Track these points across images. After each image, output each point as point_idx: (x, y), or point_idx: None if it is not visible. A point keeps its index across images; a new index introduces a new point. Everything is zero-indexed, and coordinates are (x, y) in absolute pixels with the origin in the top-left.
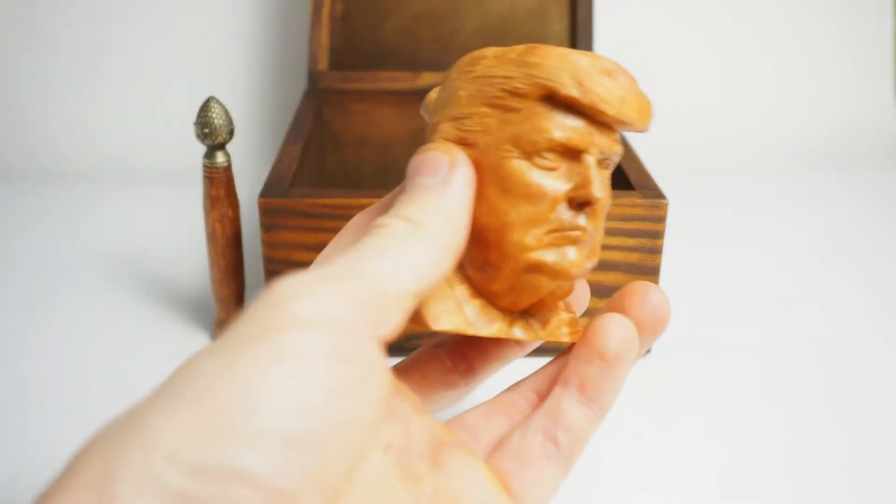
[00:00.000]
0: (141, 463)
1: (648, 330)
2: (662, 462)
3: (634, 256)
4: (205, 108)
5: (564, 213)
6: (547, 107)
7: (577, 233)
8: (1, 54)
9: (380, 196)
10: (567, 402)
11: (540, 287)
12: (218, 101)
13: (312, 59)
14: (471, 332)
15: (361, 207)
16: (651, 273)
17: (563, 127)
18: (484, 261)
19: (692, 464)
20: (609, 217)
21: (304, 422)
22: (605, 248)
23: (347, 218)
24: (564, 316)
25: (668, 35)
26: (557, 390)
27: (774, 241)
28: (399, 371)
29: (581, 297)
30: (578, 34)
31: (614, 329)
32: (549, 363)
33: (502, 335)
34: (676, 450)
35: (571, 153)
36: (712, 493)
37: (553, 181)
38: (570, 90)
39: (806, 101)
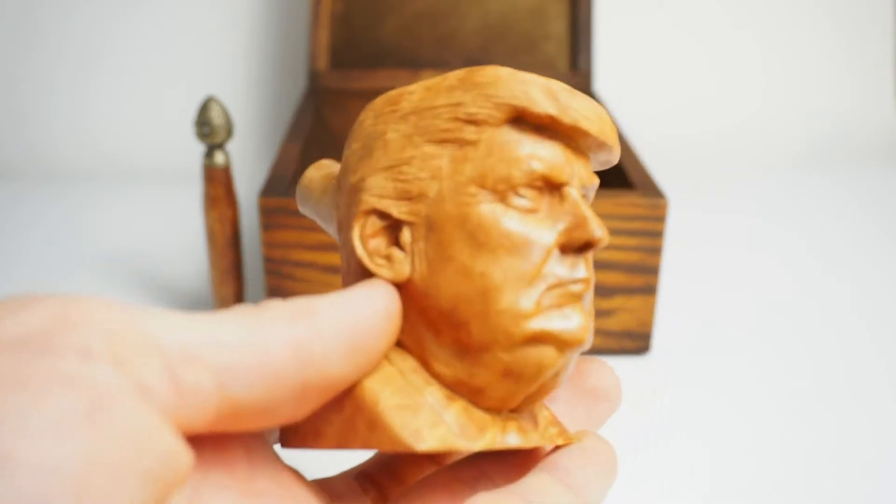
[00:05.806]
0: None
1: (593, 407)
2: (662, 463)
3: (634, 256)
4: (204, 108)
5: (558, 264)
6: (515, 133)
7: (579, 286)
8: (1, 54)
9: None
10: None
11: (544, 366)
12: (218, 101)
13: (312, 58)
14: (459, 446)
15: None
16: (651, 273)
17: (540, 156)
18: (461, 347)
19: (691, 464)
20: (609, 217)
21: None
22: (604, 247)
23: None
24: (546, 412)
25: (668, 33)
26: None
27: (774, 240)
28: None
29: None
30: (578, 32)
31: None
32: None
33: (497, 446)
34: (676, 449)
35: (551, 188)
36: (712, 493)
37: (539, 225)
38: (547, 107)
39: (805, 100)
